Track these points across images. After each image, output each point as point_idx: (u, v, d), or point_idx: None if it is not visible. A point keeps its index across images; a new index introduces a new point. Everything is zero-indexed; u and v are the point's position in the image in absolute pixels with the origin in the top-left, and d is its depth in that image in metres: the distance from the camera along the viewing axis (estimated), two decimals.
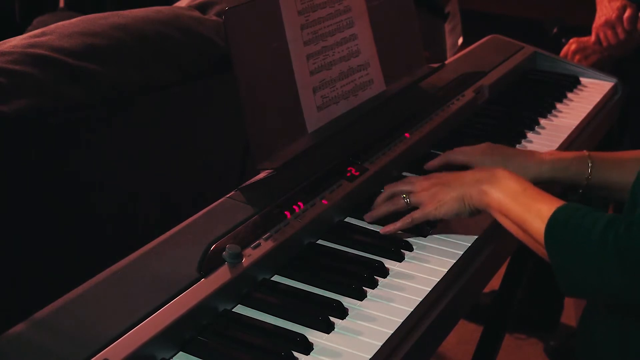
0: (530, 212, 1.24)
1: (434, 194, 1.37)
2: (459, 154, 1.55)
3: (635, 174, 1.25)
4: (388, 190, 1.44)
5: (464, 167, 1.52)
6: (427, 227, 1.40)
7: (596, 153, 1.49)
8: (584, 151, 1.49)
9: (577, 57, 2.46)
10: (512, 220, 1.29)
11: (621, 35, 2.38)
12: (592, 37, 2.44)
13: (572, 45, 2.48)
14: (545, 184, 1.46)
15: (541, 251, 1.23)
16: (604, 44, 2.41)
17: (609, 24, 2.38)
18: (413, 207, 1.39)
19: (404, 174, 1.59)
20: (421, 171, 1.60)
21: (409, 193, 1.40)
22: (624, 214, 1.24)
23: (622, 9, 2.36)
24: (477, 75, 1.98)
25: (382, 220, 1.41)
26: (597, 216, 1.16)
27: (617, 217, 1.16)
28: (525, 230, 1.26)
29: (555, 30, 2.79)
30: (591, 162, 1.46)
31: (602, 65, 2.44)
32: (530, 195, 1.27)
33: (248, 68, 1.39)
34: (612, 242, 1.12)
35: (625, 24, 2.35)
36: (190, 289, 1.13)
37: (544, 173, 1.48)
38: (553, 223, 1.19)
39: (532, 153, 1.53)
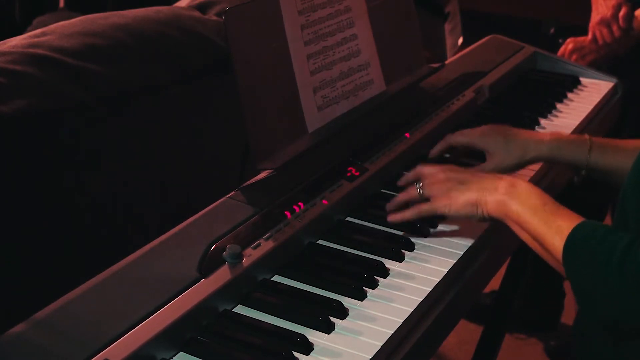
0: (549, 227, 1.21)
1: (448, 190, 1.35)
2: (459, 136, 1.58)
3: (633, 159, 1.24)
4: (412, 173, 1.43)
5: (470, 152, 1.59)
6: (428, 227, 1.40)
7: (598, 138, 1.52)
8: (585, 135, 1.53)
9: (574, 56, 2.46)
10: (530, 234, 1.26)
11: (617, 34, 2.38)
12: (589, 36, 2.44)
13: (569, 44, 2.48)
14: (546, 163, 1.57)
15: (559, 268, 1.21)
16: (600, 42, 2.41)
17: (605, 22, 2.38)
18: (425, 198, 1.38)
19: (404, 173, 1.59)
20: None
21: (422, 182, 1.38)
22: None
23: (618, 7, 2.36)
24: (477, 75, 1.98)
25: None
26: (616, 238, 1.13)
27: (637, 240, 1.12)
28: (543, 246, 1.24)
29: (552, 30, 2.79)
30: (590, 145, 1.50)
31: (599, 64, 2.44)
32: (550, 210, 1.24)
33: (248, 68, 1.39)
34: (630, 269, 1.09)
35: (620, 22, 2.35)
36: (191, 289, 1.13)
37: (543, 152, 1.53)
38: (572, 242, 1.17)
39: (533, 133, 1.58)
